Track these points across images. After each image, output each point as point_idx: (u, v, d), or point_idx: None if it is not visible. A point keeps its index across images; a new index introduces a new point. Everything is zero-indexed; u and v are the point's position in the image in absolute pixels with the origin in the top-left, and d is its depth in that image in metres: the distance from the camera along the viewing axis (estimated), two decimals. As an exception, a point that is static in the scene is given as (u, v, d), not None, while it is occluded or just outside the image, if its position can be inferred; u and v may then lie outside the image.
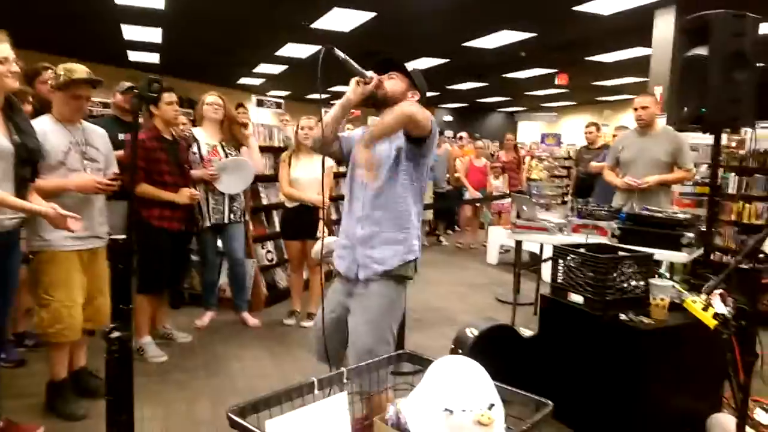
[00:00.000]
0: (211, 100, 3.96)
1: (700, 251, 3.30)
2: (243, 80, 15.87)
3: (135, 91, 1.81)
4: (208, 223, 3.94)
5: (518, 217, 4.37)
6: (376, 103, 2.14)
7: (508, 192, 7.55)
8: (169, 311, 4.16)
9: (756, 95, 2.78)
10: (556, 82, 13.00)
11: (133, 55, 12.39)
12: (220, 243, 4.15)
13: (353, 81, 2.12)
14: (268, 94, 18.24)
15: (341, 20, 8.60)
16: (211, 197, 3.92)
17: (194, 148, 3.87)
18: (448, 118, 21.55)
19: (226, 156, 3.94)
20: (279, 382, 3.05)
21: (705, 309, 2.58)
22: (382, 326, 2.18)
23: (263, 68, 13.59)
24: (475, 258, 7.35)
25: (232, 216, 4.00)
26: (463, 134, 11.16)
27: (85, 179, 2.67)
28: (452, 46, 10.37)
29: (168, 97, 3.47)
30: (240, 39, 10.47)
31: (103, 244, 2.79)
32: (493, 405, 1.47)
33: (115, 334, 1.60)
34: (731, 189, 4.95)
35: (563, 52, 10.43)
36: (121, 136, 3.67)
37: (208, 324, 4.18)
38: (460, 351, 2.76)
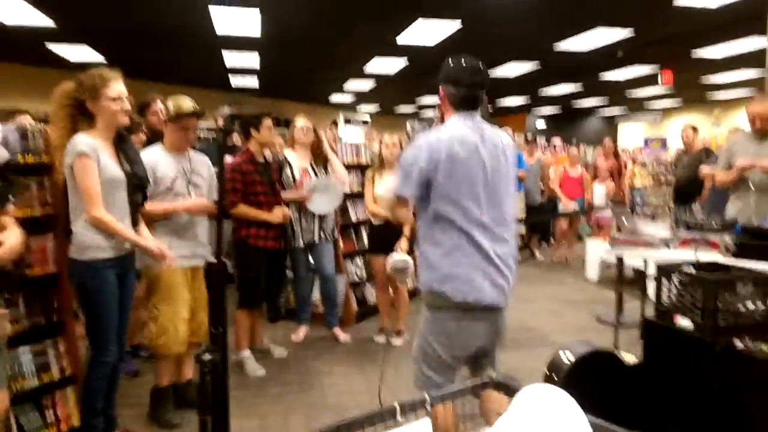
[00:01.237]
0: (301, 124, 4.14)
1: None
2: (334, 97, 16.43)
3: (221, 127, 1.93)
4: (300, 243, 4.09)
5: (619, 230, 4.11)
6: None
7: (609, 201, 7.13)
8: (267, 325, 4.36)
9: None
10: (660, 81, 12.11)
11: (235, 80, 13.27)
12: (312, 259, 4.30)
13: None
14: (359, 109, 18.74)
15: (427, 34, 8.64)
16: (302, 217, 4.07)
17: (287, 171, 4.05)
18: (541, 124, 20.82)
19: (316, 176, 4.08)
20: (367, 399, 3.12)
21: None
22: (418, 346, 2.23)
23: (353, 84, 13.99)
24: (573, 273, 6.99)
25: (322, 234, 4.14)
26: (557, 141, 10.71)
27: (200, 200, 2.94)
28: (543, 49, 10.02)
29: (266, 122, 3.69)
30: (328, 58, 10.86)
31: (203, 263, 2.99)
32: (584, 444, 1.37)
33: (207, 356, 1.69)
34: None
35: (665, 48, 9.70)
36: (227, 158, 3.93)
37: (303, 339, 4.32)
38: (555, 377, 2.62)
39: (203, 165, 3.13)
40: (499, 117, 19.33)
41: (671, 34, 8.75)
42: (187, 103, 2.96)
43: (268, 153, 3.90)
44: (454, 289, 2.04)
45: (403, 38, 8.98)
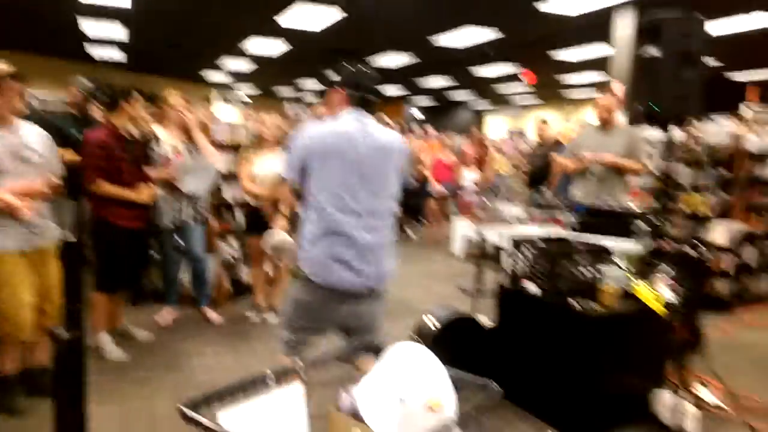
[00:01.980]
0: (173, 102, 3.91)
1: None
2: (210, 75, 15.61)
3: (87, 92, 1.78)
4: (167, 222, 3.89)
5: (482, 210, 4.45)
6: None
7: (475, 185, 7.65)
8: (129, 309, 4.08)
9: (701, 92, 2.91)
10: (522, 80, 13.20)
11: (94, 50, 12.06)
12: (180, 240, 4.10)
13: None
14: (236, 90, 18.01)
15: (311, 19, 8.55)
16: (171, 197, 3.87)
17: (157, 148, 3.81)
18: (417, 114, 21.65)
19: (189, 155, 3.90)
20: (241, 376, 3.05)
21: (652, 295, 2.70)
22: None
23: (230, 63, 13.41)
24: (442, 251, 7.43)
25: (194, 218, 3.99)
26: (431, 130, 11.24)
27: (27, 185, 2.60)
28: (420, 43, 10.43)
29: (137, 95, 3.44)
30: (203, 33, 10.32)
31: (52, 244, 2.75)
32: (442, 391, 1.51)
33: (63, 334, 1.57)
34: (683, 181, 5.14)
35: (528, 49, 10.60)
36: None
37: (170, 321, 4.13)
38: (420, 340, 2.81)
39: (39, 137, 2.77)
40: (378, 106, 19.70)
41: (534, 37, 9.57)
42: (2, 65, 2.60)
43: (131, 129, 3.64)
44: (313, 271, 2.20)
45: (286, 21, 8.80)
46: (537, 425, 2.66)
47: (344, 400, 1.66)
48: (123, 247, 3.44)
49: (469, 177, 7.77)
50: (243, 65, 13.39)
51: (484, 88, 16.88)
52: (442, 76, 15.14)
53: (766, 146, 4.84)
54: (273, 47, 11.09)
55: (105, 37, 10.42)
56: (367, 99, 2.31)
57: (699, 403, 2.86)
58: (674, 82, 2.83)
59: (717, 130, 5.19)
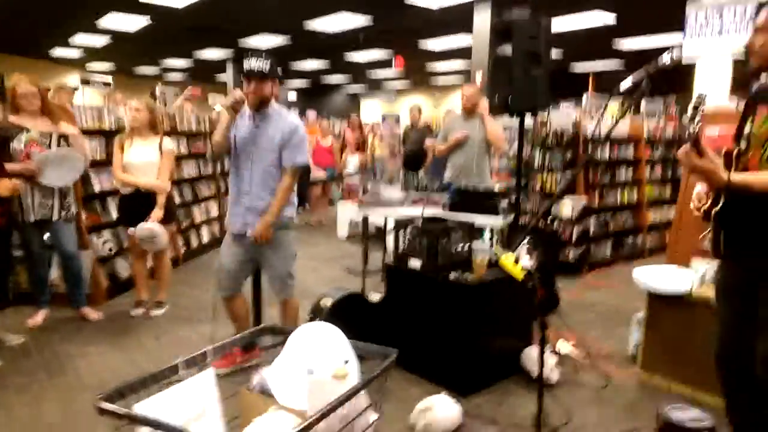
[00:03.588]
0: (24, 90, 3.55)
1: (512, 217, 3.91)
2: (59, 52, 14.02)
3: None
4: (31, 218, 3.61)
5: (364, 193, 4.68)
6: (253, 107, 2.91)
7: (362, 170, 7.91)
8: (-6, 314, 3.75)
9: (548, 85, 3.38)
10: (393, 65, 13.67)
11: None
12: (46, 235, 3.83)
13: (229, 109, 2.87)
14: (90, 68, 16.39)
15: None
16: (36, 191, 3.59)
17: (21, 138, 3.50)
18: (293, 97, 21.38)
19: (50, 147, 3.61)
20: (133, 373, 2.98)
21: (515, 264, 3.13)
22: None
23: (82, 39, 12.17)
24: (327, 234, 7.61)
25: (63, 213, 3.73)
26: (311, 114, 11.25)
27: None
28: (294, 26, 10.35)
29: None
30: (54, 5, 9.28)
31: None
32: (347, 361, 1.71)
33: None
34: (537, 163, 5.83)
35: (398, 37, 11.03)
36: None
37: (43, 322, 3.87)
38: (317, 319, 2.99)
39: None
40: (250, 87, 19.12)
41: (403, 27, 9.98)
42: None
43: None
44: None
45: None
46: (427, 387, 2.96)
47: (254, 380, 1.79)
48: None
49: (352, 161, 8.00)
50: (98, 40, 12.24)
51: (358, 72, 17.17)
52: (316, 60, 15.14)
53: (600, 132, 5.63)
54: (132, 23, 10.29)
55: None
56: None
57: (559, 355, 3.39)
58: (524, 79, 3.26)
59: (562, 117, 5.93)
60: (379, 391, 1.72)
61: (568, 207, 5.51)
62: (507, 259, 3.17)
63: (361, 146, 8.36)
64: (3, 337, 3.52)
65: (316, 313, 3.08)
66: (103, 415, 1.36)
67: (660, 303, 3.05)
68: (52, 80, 9.23)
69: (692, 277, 2.99)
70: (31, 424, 2.65)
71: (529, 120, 5.83)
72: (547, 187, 5.75)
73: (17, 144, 3.50)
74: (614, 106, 6.95)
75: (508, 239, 3.70)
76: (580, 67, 14.41)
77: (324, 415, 1.40)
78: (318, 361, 1.65)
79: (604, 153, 5.97)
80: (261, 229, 2.89)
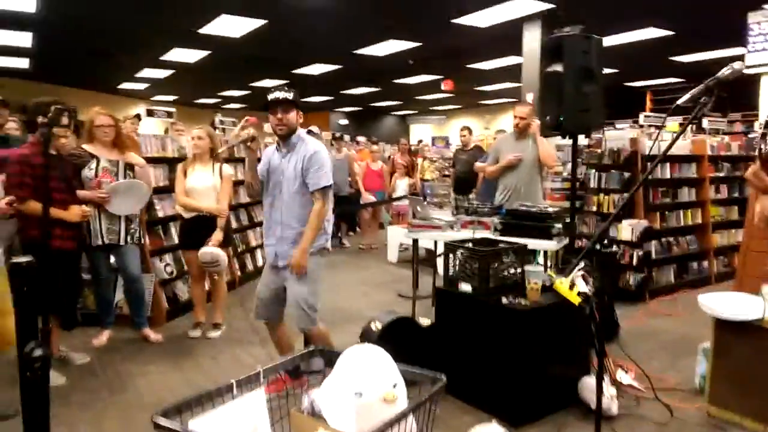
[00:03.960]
0: (101, 122, 3.80)
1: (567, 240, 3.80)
2: (125, 85, 14.99)
3: (45, 120, 1.81)
4: (99, 242, 3.82)
5: (414, 216, 4.68)
6: (282, 137, 2.98)
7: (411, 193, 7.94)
8: (63, 334, 3.95)
9: (603, 103, 3.30)
10: (442, 88, 13.76)
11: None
12: (112, 259, 4.03)
13: (242, 146, 3.07)
14: (153, 99, 17.37)
15: (231, 26, 8.51)
16: (104, 217, 3.80)
17: (87, 168, 3.74)
18: (344, 121, 21.86)
19: (124, 177, 3.84)
20: (189, 392, 3.05)
21: (570, 288, 3.03)
22: None
23: (147, 73, 12.96)
24: (377, 258, 7.64)
25: (129, 238, 3.94)
26: (361, 138, 11.48)
27: None
28: (344, 53, 10.64)
29: (64, 113, 3.31)
30: (121, 44, 9.96)
31: None
32: (396, 384, 1.69)
33: (37, 352, 1.60)
34: (592, 183, 5.67)
35: (446, 59, 11.11)
36: None
37: (107, 343, 4.04)
38: (366, 343, 2.99)
39: None
40: (304, 114, 19.71)
41: (450, 49, 10.06)
42: None
43: (60, 146, 3.55)
44: (329, 244, 3.15)
45: (206, 29, 8.70)
46: (478, 415, 2.88)
47: (305, 401, 1.80)
48: (53, 268, 3.35)
49: (401, 185, 8.05)
50: (160, 73, 13.00)
51: (407, 96, 17.38)
52: (366, 87, 15.45)
53: (659, 150, 5.43)
54: (192, 55, 10.88)
55: (7, 44, 9.78)
56: None
57: (617, 385, 3.23)
58: (577, 96, 3.18)
59: (618, 135, 5.76)
60: (428, 416, 1.70)
61: (627, 229, 5.30)
62: (562, 284, 3.07)
63: (410, 170, 8.39)
64: (69, 356, 3.71)
65: (366, 338, 3.08)
66: (158, 430, 1.40)
67: (729, 331, 2.86)
68: (119, 112, 9.84)
69: (763, 303, 2.80)
70: (95, 440, 2.76)
71: (583, 139, 5.75)
72: (604, 209, 5.56)
73: (88, 172, 3.74)
74: (674, 123, 6.70)
75: (563, 263, 3.59)
76: (637, 84, 14.01)
77: (372, 439, 1.40)
78: (366, 384, 1.65)
79: (664, 172, 5.72)
80: (297, 257, 2.90)
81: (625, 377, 3.38)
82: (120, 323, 4.30)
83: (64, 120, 3.32)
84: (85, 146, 3.84)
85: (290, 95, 2.90)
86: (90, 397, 3.22)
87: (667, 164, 5.70)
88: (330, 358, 1.91)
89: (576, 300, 2.97)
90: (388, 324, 3.14)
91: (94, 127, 3.81)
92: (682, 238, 5.91)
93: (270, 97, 2.90)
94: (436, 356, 3.00)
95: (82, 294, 4.40)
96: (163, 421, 1.43)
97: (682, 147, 5.86)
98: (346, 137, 12.59)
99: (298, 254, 2.90)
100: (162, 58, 11.06)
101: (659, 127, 6.06)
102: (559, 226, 3.80)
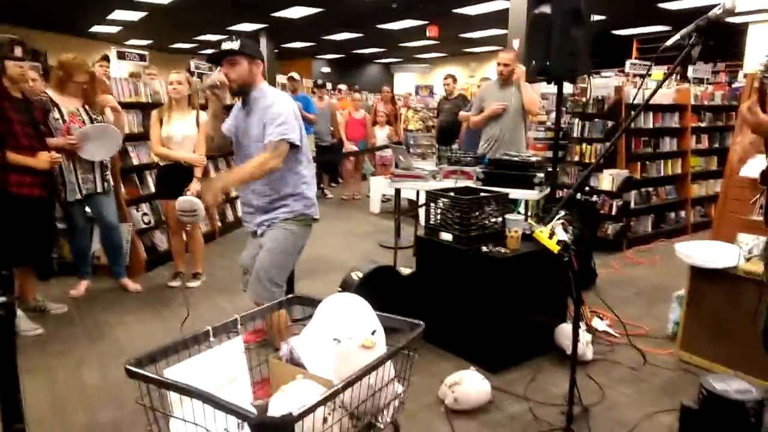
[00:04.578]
0: (81, 79, 3.63)
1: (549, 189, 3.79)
2: (97, 28, 14.30)
3: None
4: (78, 195, 3.73)
5: (396, 166, 4.62)
6: (235, 93, 2.62)
7: (389, 142, 7.81)
8: (40, 284, 3.89)
9: (589, 49, 3.20)
10: (428, 34, 13.38)
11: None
12: (88, 209, 3.93)
13: (208, 93, 2.59)
14: (127, 43, 16.66)
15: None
16: (78, 166, 3.68)
17: (55, 114, 3.57)
18: (326, 69, 21.31)
19: (91, 122, 3.69)
20: (170, 341, 3.06)
21: (550, 237, 3.03)
22: None
23: (119, 15, 12.35)
24: (359, 208, 7.61)
25: (105, 185, 3.84)
26: (342, 86, 11.18)
27: None
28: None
29: (16, 50, 3.14)
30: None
31: None
32: (375, 331, 1.69)
33: (-3, 299, 1.55)
34: (575, 133, 5.63)
35: (431, 3, 10.73)
36: None
37: (85, 293, 4.01)
38: (346, 292, 2.99)
39: None
40: (285, 61, 19.13)
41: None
42: None
43: (24, 89, 3.38)
44: (312, 210, 2.77)
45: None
46: (457, 362, 2.93)
47: (283, 348, 1.79)
48: (24, 217, 3.26)
49: (381, 134, 7.91)
50: (133, 16, 12.41)
51: (391, 43, 16.91)
52: (349, 32, 14.96)
53: (643, 99, 5.38)
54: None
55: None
56: None
57: (593, 332, 3.30)
58: (564, 40, 3.07)
59: (603, 83, 5.68)
60: (407, 363, 1.71)
61: (608, 179, 5.31)
62: (542, 232, 3.08)
63: (392, 119, 8.24)
64: (47, 306, 3.67)
65: (346, 287, 3.08)
66: (132, 378, 1.38)
67: (703, 279, 2.92)
68: (90, 56, 9.40)
69: (738, 252, 2.84)
70: (74, 387, 2.76)
71: (568, 87, 5.65)
72: (587, 158, 5.55)
73: (53, 121, 3.57)
74: (660, 72, 6.62)
75: (544, 212, 3.59)
76: (624, 32, 13.78)
77: (349, 384, 1.40)
78: (345, 331, 1.64)
79: (647, 122, 5.70)
80: (212, 186, 2.55)
81: (600, 324, 3.46)
82: (98, 273, 4.25)
83: (18, 52, 3.17)
84: (48, 91, 3.65)
85: (236, 44, 2.50)
86: (68, 346, 3.20)
87: (651, 113, 5.67)
88: (310, 305, 1.90)
89: (555, 248, 2.98)
90: (369, 273, 3.13)
91: (71, 81, 3.62)
92: (662, 188, 5.96)
93: (212, 51, 2.59)
94: (417, 305, 3.02)
95: (57, 244, 4.31)
96: (137, 370, 1.41)
97: (666, 96, 5.81)
98: (329, 85, 12.26)
99: (214, 185, 2.55)
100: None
101: (644, 75, 5.99)
102: (541, 175, 3.78)
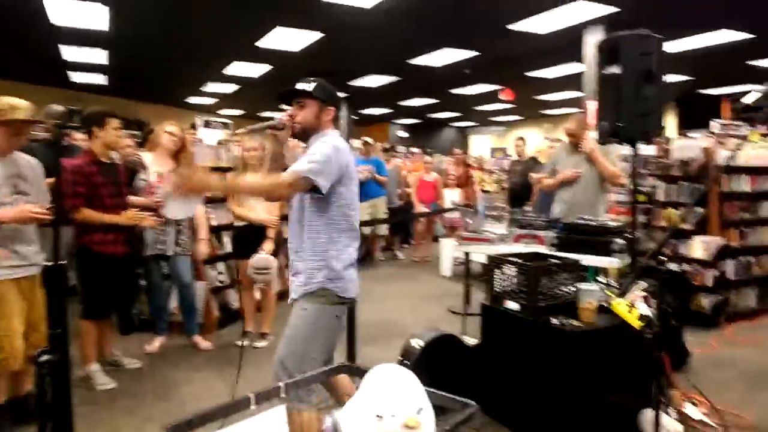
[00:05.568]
0: (171, 129, 3.99)
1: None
2: (193, 99, 15.70)
3: (56, 121, 1.85)
4: (153, 252, 3.94)
5: (465, 229, 4.52)
6: (297, 136, 2.34)
7: (462, 205, 7.74)
8: (119, 338, 4.08)
9: (663, 108, 3.03)
10: (501, 97, 13.45)
11: (77, 77, 12.11)
12: (167, 268, 4.13)
13: (268, 132, 2.36)
14: (220, 112, 18.10)
15: (289, 39, 8.70)
16: (158, 224, 3.91)
17: (142, 175, 3.87)
18: (403, 134, 21.87)
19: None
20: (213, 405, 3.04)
21: (629, 310, 2.77)
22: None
23: (213, 87, 13.52)
24: (430, 271, 7.48)
25: (177, 249, 4.03)
26: (416, 150, 11.39)
27: (21, 209, 2.64)
28: (400, 64, 10.63)
29: (112, 122, 3.46)
30: (186, 58, 10.43)
31: (38, 272, 2.79)
32: (421, 409, 1.56)
33: (45, 357, 1.61)
34: (661, 196, 5.27)
35: (505, 68, 10.84)
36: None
37: (159, 349, 4.14)
38: (406, 361, 2.86)
39: (31, 168, 2.83)
40: (363, 126, 19.92)
41: (509, 57, 9.81)
42: (23, 106, 2.65)
43: (115, 155, 3.69)
44: (347, 287, 2.26)
45: (265, 43, 8.94)
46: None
47: (327, 421, 1.70)
48: (107, 273, 3.46)
49: (449, 197, 7.88)
50: (226, 88, 13.52)
51: (465, 107, 17.15)
52: (424, 98, 15.37)
53: (736, 161, 4.99)
54: (255, 70, 11.24)
55: (86, 61, 10.46)
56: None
57: (685, 420, 2.92)
58: (636, 100, 2.93)
59: (687, 144, 5.34)
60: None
61: (699, 247, 4.88)
62: (621, 305, 2.82)
63: (463, 181, 8.20)
64: (122, 361, 3.81)
65: (406, 356, 2.95)
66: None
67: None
68: (185, 124, 10.31)
69: None
70: (135, 447, 2.79)
71: (649, 148, 5.37)
72: (673, 224, 5.16)
73: (139, 181, 3.86)
74: (755, 132, 6.17)
75: (624, 282, 3.31)
76: (713, 92, 13.12)
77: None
78: (388, 408, 1.53)
79: (743, 185, 5.24)
80: (192, 179, 2.14)
81: (694, 411, 3.06)
82: (174, 330, 4.40)
83: (115, 122, 3.49)
84: (142, 155, 3.97)
85: (310, 86, 2.26)
86: (136, 401, 3.28)
87: (747, 176, 5.22)
88: (358, 374, 1.81)
89: (636, 323, 2.72)
90: (431, 342, 2.99)
91: (163, 135, 3.96)
92: (765, 257, 5.37)
93: (284, 90, 2.32)
94: (480, 376, 2.82)
95: (138, 300, 4.54)
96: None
97: (763, 157, 5.35)
98: (401, 149, 12.52)
99: (192, 175, 2.18)
100: (225, 72, 11.48)
101: (738, 137, 5.59)
102: (620, 241, 3.53)
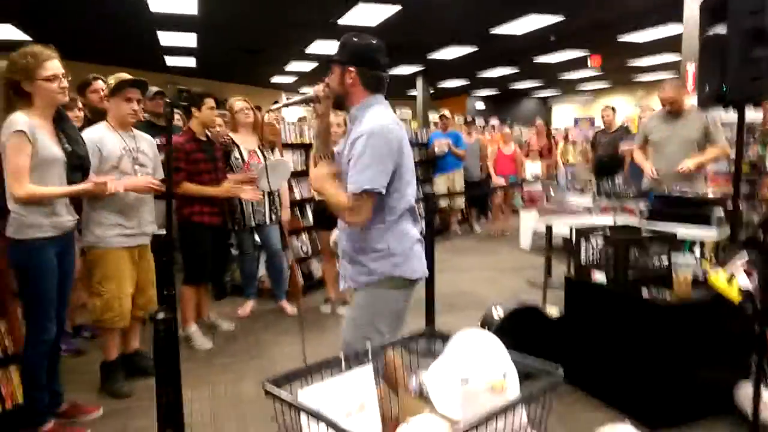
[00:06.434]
0: (240, 105, 4.18)
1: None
2: (276, 79, 16.19)
3: (168, 100, 2.00)
4: (252, 223, 4.19)
5: (547, 201, 4.41)
6: (337, 105, 2.15)
7: (543, 177, 7.53)
8: (213, 302, 4.41)
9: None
10: (589, 65, 12.75)
11: (171, 60, 12.84)
12: (257, 237, 4.38)
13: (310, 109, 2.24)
14: (301, 90, 18.57)
15: (367, 15, 8.70)
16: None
17: (236, 153, 4.10)
18: (480, 105, 21.38)
19: (264, 158, 4.16)
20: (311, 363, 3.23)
21: (729, 283, 2.61)
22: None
23: (294, 66, 13.85)
24: (508, 243, 7.37)
25: (273, 217, 4.26)
26: (495, 122, 11.12)
27: (139, 179, 2.92)
28: (480, 34, 10.33)
29: (208, 102, 3.70)
30: (269, 39, 10.74)
31: (148, 241, 3.07)
32: (506, 373, 1.59)
33: (161, 315, 1.78)
34: (765, 165, 4.84)
35: (594, 33, 10.23)
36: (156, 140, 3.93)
37: (250, 313, 4.42)
38: (487, 330, 2.87)
39: (148, 143, 3.14)
40: (440, 99, 19.67)
41: (598, 20, 9.24)
42: (126, 75, 2.98)
43: (207, 132, 3.93)
44: (413, 267, 2.08)
45: (345, 20, 9.01)
46: (609, 414, 2.64)
47: (413, 381, 1.77)
48: (206, 242, 3.74)
49: (531, 169, 7.65)
50: (307, 66, 13.81)
51: (548, 75, 16.42)
52: (504, 67, 14.88)
53: None
54: (334, 47, 11.37)
55: (177, 45, 11.06)
56: (385, 78, 2.07)
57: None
58: (744, 62, 2.68)
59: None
60: (542, 410, 1.56)
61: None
62: (718, 277, 2.69)
63: (546, 152, 7.93)
64: (218, 323, 4.11)
65: (486, 324, 2.96)
66: (268, 396, 1.47)
67: None
68: (269, 103, 10.70)
69: None
70: (232, 399, 3.04)
71: (754, 113, 4.91)
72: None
73: (234, 160, 4.10)
74: None
75: (723, 254, 3.11)
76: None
77: (473, 427, 1.32)
78: (473, 371, 1.57)
79: None
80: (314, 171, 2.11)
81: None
82: (263, 296, 4.68)
83: (211, 102, 3.71)
84: (231, 134, 4.20)
85: (336, 55, 2.09)
86: (232, 360, 3.55)
87: None
88: (443, 338, 1.86)
89: (735, 297, 2.58)
90: (512, 312, 2.98)
91: (234, 113, 4.16)
92: None
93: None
94: (563, 348, 2.79)
95: (230, 268, 4.87)
96: (274, 390, 1.50)
97: None
98: (479, 121, 12.26)
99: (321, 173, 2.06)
100: (306, 51, 11.71)
101: None
102: (719, 213, 3.31)
